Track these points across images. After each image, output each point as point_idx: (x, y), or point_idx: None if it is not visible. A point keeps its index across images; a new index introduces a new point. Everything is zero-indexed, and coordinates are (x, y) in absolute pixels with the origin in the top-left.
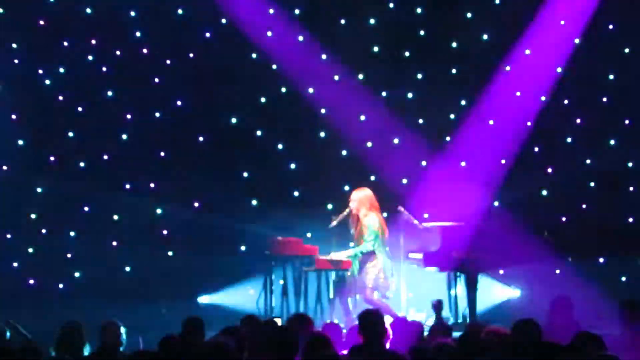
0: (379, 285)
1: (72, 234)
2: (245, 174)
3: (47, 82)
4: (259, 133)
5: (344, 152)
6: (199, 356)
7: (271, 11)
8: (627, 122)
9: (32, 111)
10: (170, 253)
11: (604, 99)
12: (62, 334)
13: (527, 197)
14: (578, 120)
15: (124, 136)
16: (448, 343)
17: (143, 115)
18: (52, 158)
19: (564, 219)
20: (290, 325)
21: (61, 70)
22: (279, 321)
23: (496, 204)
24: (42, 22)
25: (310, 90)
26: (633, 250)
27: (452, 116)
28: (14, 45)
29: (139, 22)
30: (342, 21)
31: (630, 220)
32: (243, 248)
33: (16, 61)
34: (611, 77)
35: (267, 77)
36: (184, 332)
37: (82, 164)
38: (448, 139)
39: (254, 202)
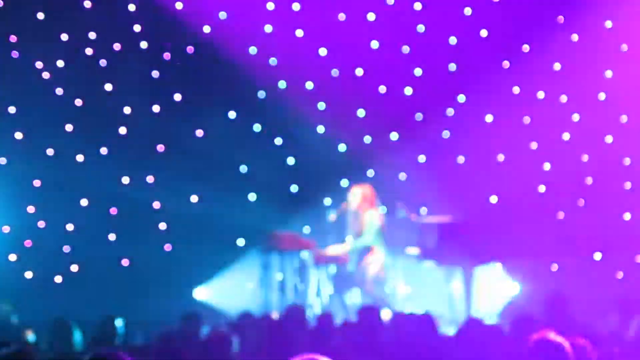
0: (379, 279)
1: (69, 227)
2: (244, 169)
3: (46, 75)
4: (257, 128)
5: (342, 147)
6: (199, 349)
7: (270, 6)
8: (624, 119)
9: (30, 104)
10: (167, 247)
11: (602, 96)
12: (51, 332)
13: (524, 193)
14: (576, 117)
15: (122, 130)
16: None
17: (141, 109)
18: (50, 151)
19: (561, 215)
20: (286, 317)
21: (60, 63)
22: (275, 316)
23: (494, 199)
24: (40, 16)
25: (309, 85)
26: (630, 247)
27: (450, 112)
28: (13, 39)
29: (138, 16)
30: (341, 16)
31: (627, 217)
32: (241, 242)
33: (15, 54)
34: (609, 74)
35: (266, 72)
36: (181, 326)
37: (80, 158)
38: (446, 134)
39: (252, 197)
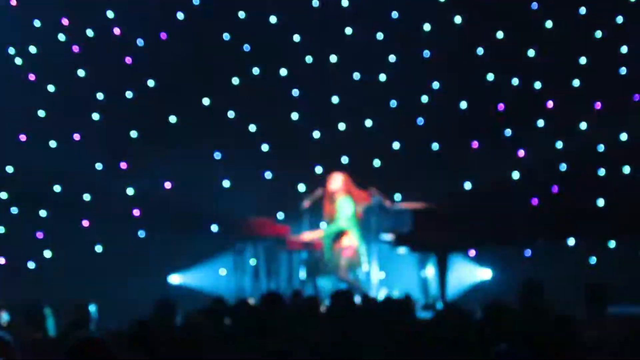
0: (353, 264)
1: (43, 213)
2: (218, 155)
3: (18, 61)
4: (231, 114)
5: (316, 134)
6: (174, 337)
7: None
8: (597, 105)
9: (2, 90)
10: (141, 233)
11: (576, 83)
12: (25, 315)
13: (498, 179)
14: (550, 104)
15: (95, 116)
16: None
17: (114, 95)
18: (22, 137)
19: (534, 201)
20: (263, 304)
21: (32, 49)
22: (250, 302)
23: (468, 185)
24: (13, 2)
25: (283, 71)
26: (603, 232)
27: (424, 98)
28: None
29: (111, 1)
30: (315, 2)
31: (600, 203)
32: (215, 228)
33: None
34: (583, 60)
35: (240, 58)
36: (155, 313)
37: (53, 144)
38: (420, 121)
39: (226, 183)
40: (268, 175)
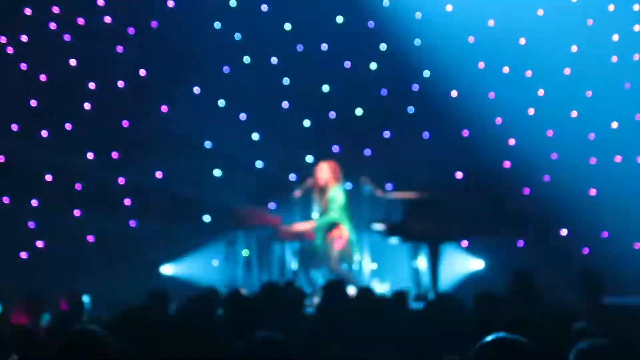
0: (344, 255)
1: (34, 203)
2: (208, 144)
3: (10, 50)
4: (221, 103)
5: (306, 123)
6: (167, 327)
7: None
8: (589, 94)
9: None
10: (132, 223)
11: (567, 71)
12: (23, 304)
13: (489, 168)
14: (541, 92)
15: (87, 105)
16: None
17: (106, 84)
18: (14, 127)
19: (526, 191)
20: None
21: (24, 38)
22: (243, 292)
23: (459, 175)
24: None
25: (274, 60)
26: (595, 222)
27: (415, 87)
28: None
29: None
30: None
31: (593, 192)
32: (206, 218)
33: None
34: (574, 48)
35: (230, 47)
36: (148, 303)
37: (44, 133)
38: (411, 109)
39: (217, 172)
40: (259, 164)
